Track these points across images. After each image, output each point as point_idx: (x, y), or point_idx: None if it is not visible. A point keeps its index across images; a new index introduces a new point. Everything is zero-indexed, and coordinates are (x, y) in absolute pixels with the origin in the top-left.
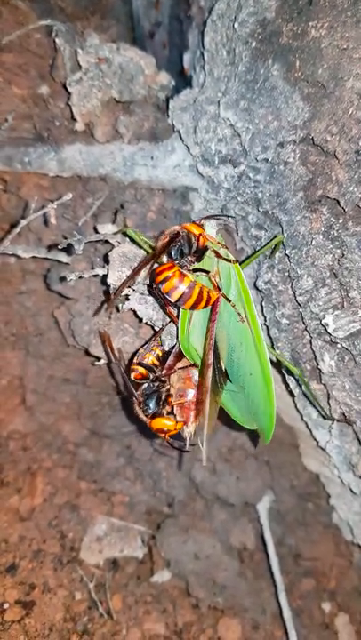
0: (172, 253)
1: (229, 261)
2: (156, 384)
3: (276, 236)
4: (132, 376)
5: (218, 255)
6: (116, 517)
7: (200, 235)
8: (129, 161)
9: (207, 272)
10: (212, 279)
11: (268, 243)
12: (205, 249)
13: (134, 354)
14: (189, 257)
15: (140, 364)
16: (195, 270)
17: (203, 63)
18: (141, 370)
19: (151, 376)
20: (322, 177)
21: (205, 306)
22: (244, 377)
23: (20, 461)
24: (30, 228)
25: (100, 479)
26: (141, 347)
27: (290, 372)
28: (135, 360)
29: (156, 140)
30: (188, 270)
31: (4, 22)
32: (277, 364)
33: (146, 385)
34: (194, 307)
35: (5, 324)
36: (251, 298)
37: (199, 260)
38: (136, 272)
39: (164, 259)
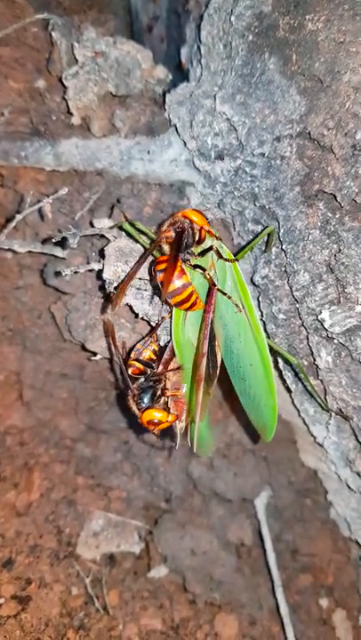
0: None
1: (227, 261)
2: (153, 379)
3: (266, 227)
4: (130, 371)
5: (219, 255)
6: (113, 513)
7: (202, 228)
8: (125, 155)
9: (204, 269)
10: (207, 275)
11: (259, 234)
12: (209, 248)
13: (131, 349)
14: (192, 251)
15: (137, 359)
16: (194, 266)
17: (199, 57)
18: (139, 365)
19: (148, 371)
20: (318, 171)
21: (189, 308)
22: (245, 368)
23: (17, 456)
24: (27, 222)
25: (97, 474)
26: (138, 342)
27: (288, 363)
28: (133, 355)
29: (152, 134)
30: (189, 265)
31: (0, 16)
32: (274, 361)
33: (142, 379)
34: (179, 305)
35: (2, 319)
36: (247, 288)
37: (202, 255)
38: (137, 266)
39: (166, 249)
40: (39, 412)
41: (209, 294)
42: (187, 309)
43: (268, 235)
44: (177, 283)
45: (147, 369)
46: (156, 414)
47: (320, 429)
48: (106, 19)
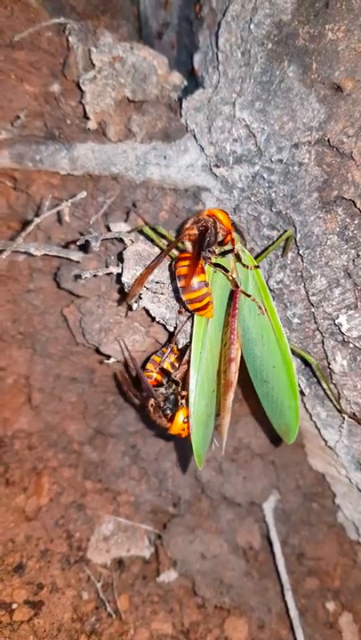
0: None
1: (247, 267)
2: (172, 388)
3: (285, 231)
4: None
5: (238, 259)
6: (122, 517)
7: (227, 231)
8: (142, 160)
9: (226, 270)
10: (230, 277)
11: (278, 238)
12: (231, 250)
13: (147, 359)
14: (213, 249)
15: (161, 369)
16: (215, 265)
17: (216, 64)
18: (156, 376)
19: (165, 381)
20: (338, 178)
21: (199, 310)
22: (268, 370)
23: (26, 461)
24: (39, 226)
25: (105, 478)
26: (154, 353)
27: (305, 365)
28: (149, 367)
29: (168, 139)
30: (211, 264)
31: (15, 20)
32: None
33: (163, 389)
34: (192, 303)
35: (13, 323)
36: (268, 292)
37: (223, 255)
38: (158, 261)
39: (189, 246)
40: (48, 415)
41: (232, 297)
42: (197, 310)
43: (286, 239)
44: (194, 280)
45: (164, 379)
46: (186, 420)
47: (332, 433)
48: (118, 24)
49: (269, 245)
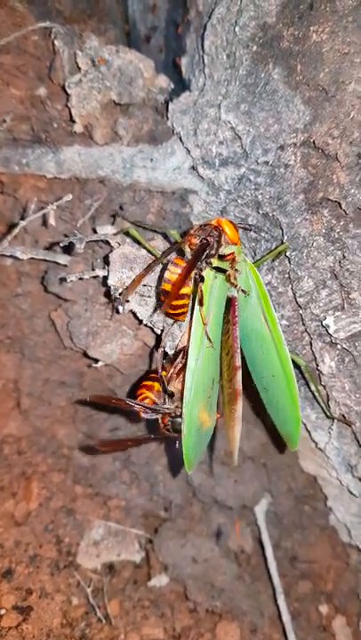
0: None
1: (236, 289)
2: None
3: (282, 243)
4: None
5: (231, 282)
6: (113, 521)
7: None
8: (128, 163)
9: (224, 271)
10: (232, 278)
11: (273, 249)
12: (226, 267)
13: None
14: (211, 262)
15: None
16: (215, 268)
17: (202, 67)
18: (151, 396)
19: (160, 401)
20: (323, 179)
21: (173, 315)
22: (268, 379)
23: (15, 466)
24: (27, 229)
25: (95, 483)
26: (148, 374)
27: (295, 365)
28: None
29: (155, 142)
30: (211, 267)
31: (1, 24)
32: None
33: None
34: (170, 307)
35: (1, 327)
36: (269, 300)
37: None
38: (158, 261)
39: (188, 252)
40: (37, 420)
41: (231, 304)
42: (171, 315)
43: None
44: (180, 290)
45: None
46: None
47: (322, 435)
48: (106, 28)
49: (265, 255)
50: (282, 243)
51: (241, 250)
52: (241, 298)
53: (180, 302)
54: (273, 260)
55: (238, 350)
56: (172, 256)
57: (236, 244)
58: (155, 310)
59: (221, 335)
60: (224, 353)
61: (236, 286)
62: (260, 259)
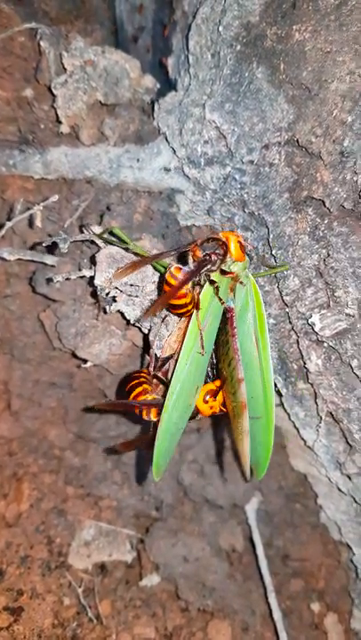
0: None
1: (222, 303)
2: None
3: (283, 264)
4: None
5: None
6: (104, 522)
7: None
8: (115, 163)
9: (214, 282)
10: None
11: (275, 267)
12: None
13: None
14: (209, 275)
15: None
16: (210, 282)
17: (187, 66)
18: (148, 388)
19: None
20: (307, 178)
21: (177, 308)
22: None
23: (6, 467)
24: (15, 230)
25: (86, 484)
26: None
27: (283, 363)
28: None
29: (141, 142)
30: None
31: None
32: None
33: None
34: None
35: None
36: (265, 322)
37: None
38: (156, 257)
39: (190, 260)
40: (27, 421)
41: (229, 319)
42: (174, 311)
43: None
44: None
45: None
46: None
47: (310, 433)
48: (92, 29)
49: (265, 271)
50: (283, 264)
51: (246, 265)
52: (237, 313)
53: (182, 305)
54: (263, 263)
55: (240, 362)
56: (173, 264)
57: (241, 261)
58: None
59: (216, 345)
60: (225, 365)
61: (221, 300)
62: (257, 274)
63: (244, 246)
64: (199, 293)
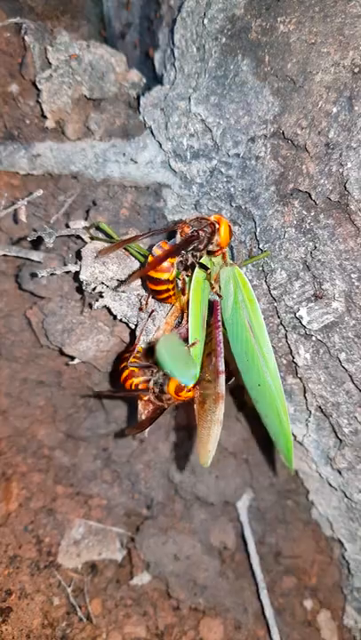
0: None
1: (212, 289)
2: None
3: (265, 251)
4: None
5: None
6: (94, 520)
7: (222, 250)
8: (101, 158)
9: (206, 268)
10: (211, 280)
11: (256, 256)
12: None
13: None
14: (198, 255)
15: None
16: (200, 265)
17: (173, 60)
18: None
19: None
20: (293, 170)
21: (159, 294)
22: (256, 390)
23: None
24: (1, 227)
25: (76, 482)
26: (125, 353)
27: None
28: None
29: (127, 136)
30: (187, 259)
31: None
32: None
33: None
34: (154, 284)
35: None
36: (257, 306)
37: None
38: (141, 236)
39: (178, 238)
40: (16, 420)
41: (213, 308)
42: (155, 294)
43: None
44: (164, 265)
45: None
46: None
47: (300, 428)
48: (79, 24)
49: (247, 259)
50: (264, 251)
51: (227, 254)
52: (226, 303)
53: (164, 287)
54: (249, 256)
55: (222, 355)
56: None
57: (223, 247)
58: (140, 309)
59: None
60: (205, 355)
61: (213, 288)
62: (241, 261)
63: (233, 232)
64: (185, 279)
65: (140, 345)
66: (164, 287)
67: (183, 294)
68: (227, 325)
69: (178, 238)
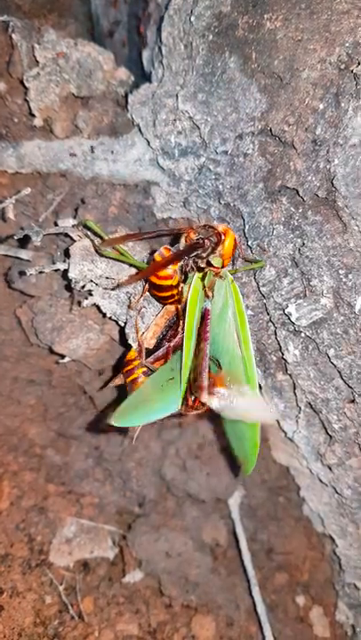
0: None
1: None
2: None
3: (259, 260)
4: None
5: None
6: (86, 519)
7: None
8: (89, 156)
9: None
10: (207, 289)
11: (251, 266)
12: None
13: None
14: (199, 263)
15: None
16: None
17: (161, 58)
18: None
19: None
20: (281, 167)
21: (162, 291)
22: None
23: None
24: None
25: (68, 481)
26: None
27: (262, 355)
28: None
29: (116, 134)
30: (188, 265)
31: None
32: None
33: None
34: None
35: None
36: (246, 320)
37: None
38: (144, 235)
39: (182, 242)
40: (7, 419)
41: (203, 317)
42: (160, 300)
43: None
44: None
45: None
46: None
47: (290, 424)
48: (67, 23)
49: (241, 267)
50: (258, 261)
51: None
52: (216, 313)
53: (168, 293)
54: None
55: (206, 370)
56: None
57: (225, 259)
58: (129, 307)
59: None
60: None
61: (208, 296)
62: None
63: (237, 246)
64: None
65: (130, 342)
66: (168, 293)
67: (179, 303)
68: (214, 335)
69: (182, 243)
